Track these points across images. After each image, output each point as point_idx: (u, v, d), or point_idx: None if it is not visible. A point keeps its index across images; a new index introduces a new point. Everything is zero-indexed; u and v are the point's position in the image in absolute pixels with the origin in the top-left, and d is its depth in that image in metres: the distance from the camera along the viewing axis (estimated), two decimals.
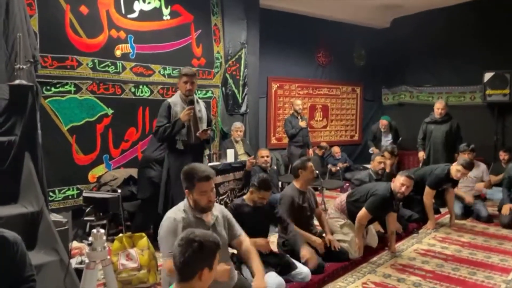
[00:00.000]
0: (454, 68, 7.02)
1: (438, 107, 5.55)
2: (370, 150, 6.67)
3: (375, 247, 3.83)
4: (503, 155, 5.78)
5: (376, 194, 3.53)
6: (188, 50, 5.09)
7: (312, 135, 7.01)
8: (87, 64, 4.16)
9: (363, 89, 8.26)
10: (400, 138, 6.70)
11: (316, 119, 7.52)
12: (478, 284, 3.12)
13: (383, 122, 6.80)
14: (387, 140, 6.68)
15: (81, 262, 2.79)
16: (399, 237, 4.13)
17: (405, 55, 7.63)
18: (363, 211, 3.51)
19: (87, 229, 2.13)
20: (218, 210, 2.44)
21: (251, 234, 2.62)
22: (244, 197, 3.17)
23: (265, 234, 3.18)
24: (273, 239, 3.56)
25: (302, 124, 5.86)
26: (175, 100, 3.59)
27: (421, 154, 5.66)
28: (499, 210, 4.76)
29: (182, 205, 2.32)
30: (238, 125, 5.31)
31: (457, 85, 7.07)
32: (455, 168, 4.36)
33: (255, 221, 3.01)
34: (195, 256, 1.57)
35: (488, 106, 6.59)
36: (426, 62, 7.43)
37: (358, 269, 3.42)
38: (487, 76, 6.37)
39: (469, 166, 4.39)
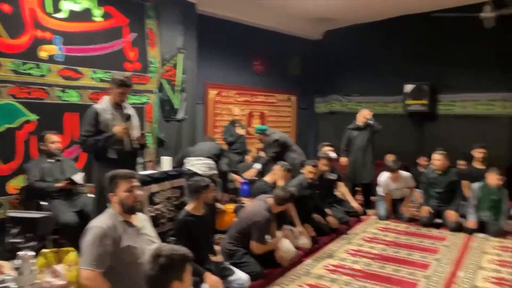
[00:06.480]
0: (379, 80, 7.50)
1: (365, 115, 5.80)
2: None
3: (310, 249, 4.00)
4: (422, 161, 6.29)
5: None
6: (121, 54, 4.90)
7: (250, 142, 7.08)
8: (8, 66, 3.84)
9: (298, 97, 8.55)
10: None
11: (254, 126, 7.62)
12: (403, 280, 3.37)
13: None
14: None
15: (2, 281, 2.54)
16: (331, 238, 4.41)
17: (336, 66, 8.04)
18: None
19: (9, 246, 1.95)
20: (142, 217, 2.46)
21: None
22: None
23: None
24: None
25: (241, 132, 5.90)
26: (104, 106, 3.31)
27: (344, 160, 5.88)
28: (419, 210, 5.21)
29: (107, 213, 2.28)
30: None
31: (382, 95, 7.59)
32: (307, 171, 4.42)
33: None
34: (162, 270, 1.62)
35: (409, 115, 7.15)
36: (354, 73, 7.87)
37: (293, 271, 3.53)
38: (408, 87, 6.93)
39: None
